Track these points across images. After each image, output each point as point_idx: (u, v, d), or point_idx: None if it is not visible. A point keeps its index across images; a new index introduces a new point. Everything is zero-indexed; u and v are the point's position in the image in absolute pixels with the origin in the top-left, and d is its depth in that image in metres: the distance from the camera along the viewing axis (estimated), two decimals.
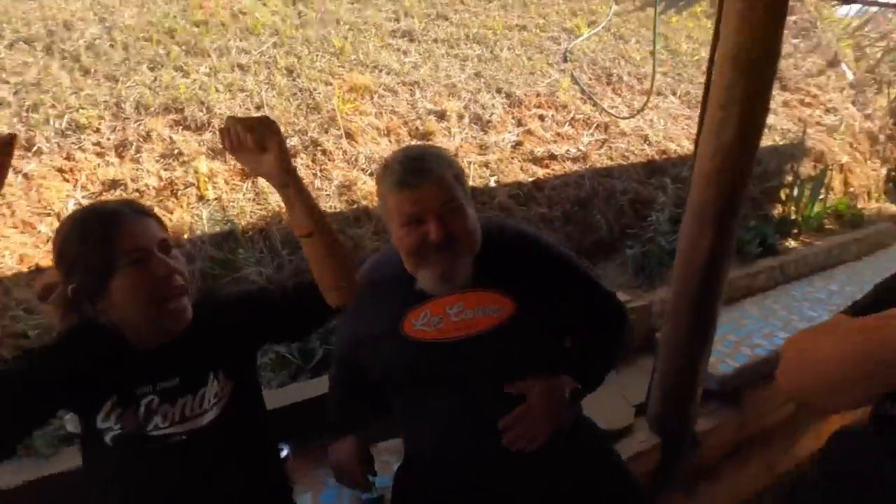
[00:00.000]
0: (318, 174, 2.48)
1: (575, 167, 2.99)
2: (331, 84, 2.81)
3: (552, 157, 2.99)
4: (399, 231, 0.99)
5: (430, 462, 1.12)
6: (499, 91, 3.25)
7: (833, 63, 5.37)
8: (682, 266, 1.64)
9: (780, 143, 3.94)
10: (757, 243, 2.90)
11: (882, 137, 4.94)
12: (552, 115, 3.25)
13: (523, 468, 1.04)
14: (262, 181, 2.34)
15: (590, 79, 3.71)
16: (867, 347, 0.65)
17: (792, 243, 3.21)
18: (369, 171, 2.56)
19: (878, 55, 6.11)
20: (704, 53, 2.79)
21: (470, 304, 1.03)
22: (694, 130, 1.68)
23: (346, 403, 1.25)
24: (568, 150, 3.06)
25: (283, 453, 1.32)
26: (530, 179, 2.83)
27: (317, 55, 2.97)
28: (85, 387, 0.83)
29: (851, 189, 4.13)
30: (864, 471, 0.78)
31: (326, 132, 2.60)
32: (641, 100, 3.55)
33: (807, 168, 3.84)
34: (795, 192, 3.54)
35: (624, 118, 3.43)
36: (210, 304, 0.97)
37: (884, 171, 4.62)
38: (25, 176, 2.15)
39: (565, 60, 3.77)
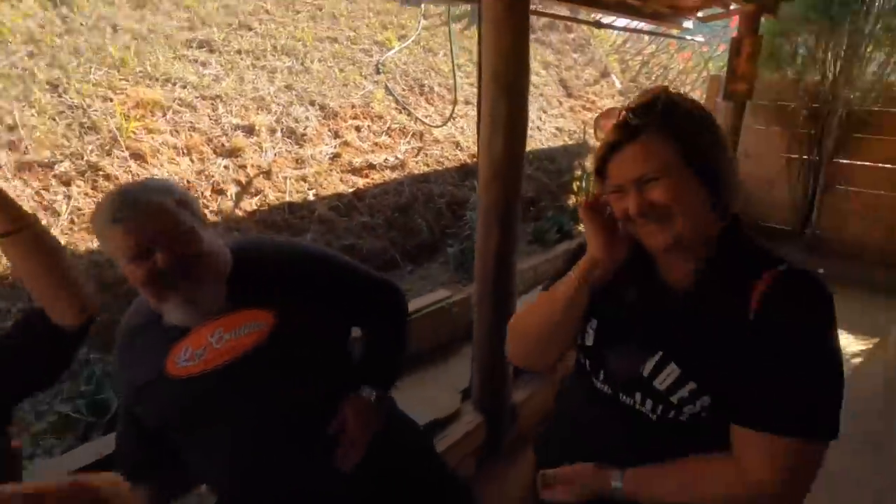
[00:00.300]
0: None
1: (394, 175, 3.11)
2: (111, 100, 2.49)
3: (371, 166, 3.07)
4: (128, 268, 0.94)
5: (240, 496, 1.08)
6: (312, 103, 3.22)
7: (605, 74, 6.46)
8: (479, 262, 1.83)
9: (569, 143, 4.62)
10: (555, 231, 3.35)
11: None
12: (368, 126, 3.34)
13: (335, 480, 1.06)
14: None
15: (403, 90, 3.89)
16: (546, 313, 0.86)
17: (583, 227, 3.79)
18: None
19: (637, 67, 7.52)
20: None
21: (229, 327, 1.01)
22: None
23: (132, 456, 1.13)
24: (386, 159, 3.17)
25: None
26: (350, 190, 2.87)
27: (90, 67, 2.60)
28: None
29: None
30: (572, 410, 0.98)
31: (109, 154, 2.30)
32: (451, 109, 3.84)
33: (591, 163, 4.55)
34: (583, 183, 4.18)
35: (436, 126, 3.67)
36: None
37: None
38: None
39: (378, 72, 3.90)
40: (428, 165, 3.33)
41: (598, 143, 0.81)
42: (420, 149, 3.42)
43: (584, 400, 0.92)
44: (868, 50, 4.07)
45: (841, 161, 4.43)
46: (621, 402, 0.84)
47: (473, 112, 4.34)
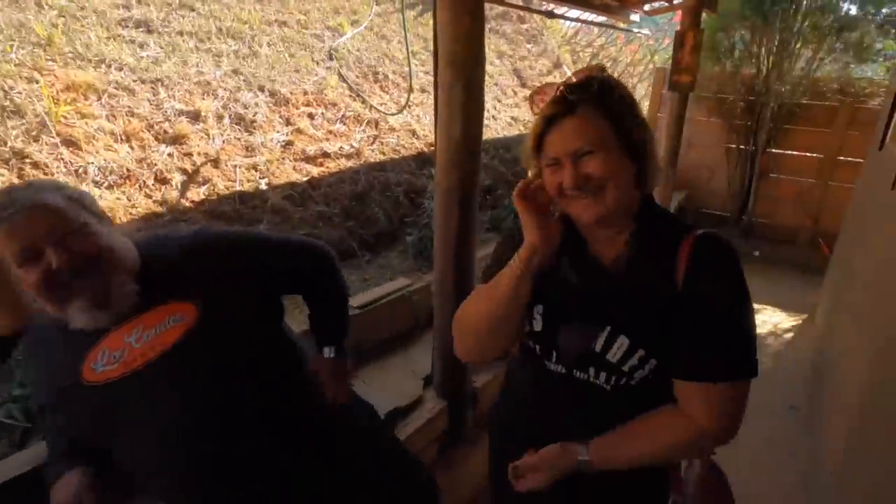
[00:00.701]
0: None
1: (349, 163, 3.05)
2: (37, 81, 2.29)
3: (325, 154, 2.99)
4: (19, 274, 0.87)
5: (181, 496, 1.01)
6: (262, 89, 3.09)
7: (557, 65, 6.58)
8: (439, 246, 1.83)
9: (524, 132, 4.68)
10: (512, 218, 3.40)
11: None
12: (322, 113, 3.25)
13: (282, 465, 1.02)
14: None
15: (357, 77, 3.81)
16: (489, 305, 0.87)
17: None
18: (106, 184, 2.18)
19: (588, 59, 7.71)
20: None
21: (149, 324, 0.96)
22: None
23: (66, 447, 1.05)
24: (341, 147, 3.10)
25: None
26: (305, 179, 2.79)
27: (11, 45, 2.38)
28: None
29: None
30: (524, 395, 1.01)
31: (36, 140, 2.12)
32: (407, 97, 3.80)
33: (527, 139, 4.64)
34: None
35: (392, 114, 3.62)
36: None
37: None
38: None
39: (331, 58, 3.80)
40: (384, 154, 3.28)
41: (534, 118, 0.83)
42: (376, 137, 3.37)
43: (536, 383, 0.96)
44: (797, 46, 4.35)
45: (773, 151, 4.74)
46: (575, 378, 0.88)
47: (429, 100, 4.31)
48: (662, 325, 0.79)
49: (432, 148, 3.67)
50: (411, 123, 3.68)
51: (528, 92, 5.57)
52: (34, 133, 2.13)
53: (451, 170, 1.70)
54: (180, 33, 3.14)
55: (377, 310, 2.29)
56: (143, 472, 1.00)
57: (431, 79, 4.67)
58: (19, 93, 2.21)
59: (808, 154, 4.65)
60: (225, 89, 2.93)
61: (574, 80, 0.80)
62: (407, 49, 2.95)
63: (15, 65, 2.31)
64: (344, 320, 1.32)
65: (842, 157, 4.49)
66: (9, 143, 2.05)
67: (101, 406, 0.93)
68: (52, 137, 2.15)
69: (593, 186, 0.78)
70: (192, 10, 3.40)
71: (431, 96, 4.48)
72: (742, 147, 4.80)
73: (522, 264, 0.82)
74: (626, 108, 0.80)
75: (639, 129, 0.80)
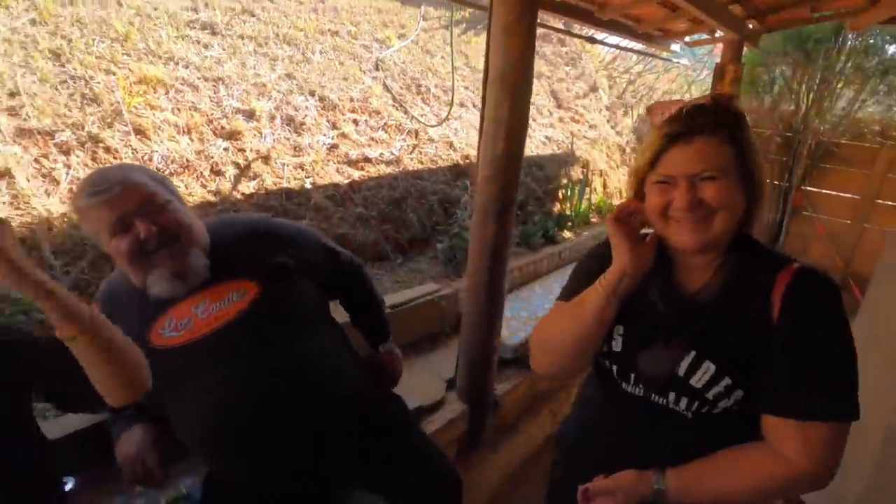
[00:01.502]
0: None
1: (389, 170, 3.17)
2: (114, 73, 2.49)
3: (367, 160, 3.13)
4: (111, 243, 0.99)
5: (225, 460, 1.09)
6: (312, 94, 3.26)
7: (594, 88, 6.65)
8: (473, 256, 1.91)
9: (558, 152, 4.76)
10: (541, 235, 3.47)
11: (628, 150, 6.32)
12: (366, 120, 3.40)
13: (324, 440, 1.10)
14: (19, 177, 1.98)
15: (401, 88, 3.96)
16: (573, 325, 0.87)
17: (567, 234, 3.93)
18: (167, 171, 2.34)
19: (624, 85, 7.76)
20: None
21: (215, 298, 1.06)
22: None
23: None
24: (382, 154, 3.24)
25: (68, 486, 1.18)
26: (346, 181, 2.92)
27: (93, 39, 2.59)
28: None
29: (608, 190, 5.20)
30: (598, 417, 1.00)
31: (110, 127, 2.30)
32: (447, 110, 3.93)
33: (576, 173, 4.70)
34: (569, 192, 4.32)
35: (432, 126, 3.75)
36: None
37: None
38: None
39: (377, 69, 3.96)
40: (422, 163, 3.41)
41: (653, 130, 0.81)
42: (415, 146, 3.49)
43: (610, 405, 0.94)
44: (839, 86, 4.34)
45: (808, 188, 4.70)
46: (653, 403, 0.86)
47: (467, 114, 4.45)
48: (753, 355, 0.76)
49: (468, 160, 3.79)
50: (449, 136, 3.80)
51: (563, 113, 5.66)
52: (109, 120, 2.31)
53: (491, 183, 1.79)
54: (241, 37, 3.33)
55: (407, 311, 2.38)
56: (196, 438, 1.08)
57: (471, 94, 4.77)
58: (98, 83, 2.41)
59: (843, 194, 4.60)
60: (278, 91, 3.10)
61: (711, 100, 0.78)
62: (452, 64, 3.08)
63: (96, 57, 2.51)
64: (387, 319, 1.53)
65: (880, 201, 4.43)
66: (86, 128, 2.23)
67: (162, 370, 1.01)
68: (125, 126, 2.33)
69: (703, 212, 0.75)
70: (253, 15, 3.61)
71: (470, 111, 4.59)
72: (776, 182, 4.78)
73: (610, 287, 0.80)
74: (752, 139, 0.78)
75: (758, 164, 0.78)
